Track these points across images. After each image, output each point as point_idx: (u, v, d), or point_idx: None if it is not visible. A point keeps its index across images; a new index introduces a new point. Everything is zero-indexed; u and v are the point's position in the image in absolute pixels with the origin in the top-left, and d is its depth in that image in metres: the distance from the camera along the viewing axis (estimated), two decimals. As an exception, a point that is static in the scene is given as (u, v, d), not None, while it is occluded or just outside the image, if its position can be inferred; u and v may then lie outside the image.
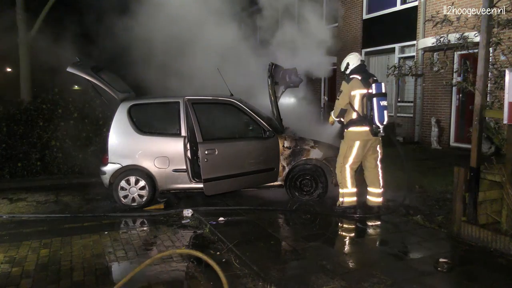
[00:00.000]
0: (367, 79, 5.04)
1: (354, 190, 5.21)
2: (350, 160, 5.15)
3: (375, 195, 5.28)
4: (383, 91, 4.95)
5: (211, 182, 5.57)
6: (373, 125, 4.97)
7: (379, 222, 4.98)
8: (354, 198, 5.22)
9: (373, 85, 4.97)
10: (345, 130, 5.22)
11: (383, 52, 13.58)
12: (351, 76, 5.12)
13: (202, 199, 6.07)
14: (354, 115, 5.09)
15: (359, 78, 5.06)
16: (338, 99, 5.18)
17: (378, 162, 5.27)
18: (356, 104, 5.07)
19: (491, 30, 4.26)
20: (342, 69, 5.39)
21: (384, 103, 4.94)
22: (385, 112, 4.95)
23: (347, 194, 5.21)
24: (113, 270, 3.92)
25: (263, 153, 5.84)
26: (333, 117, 5.38)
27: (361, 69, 5.20)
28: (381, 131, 5.00)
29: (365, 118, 5.03)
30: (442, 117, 10.98)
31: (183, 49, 8.18)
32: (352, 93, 5.05)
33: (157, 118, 6.16)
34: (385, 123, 4.95)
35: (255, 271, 3.64)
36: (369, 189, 5.33)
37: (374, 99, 4.91)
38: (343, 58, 5.42)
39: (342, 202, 5.26)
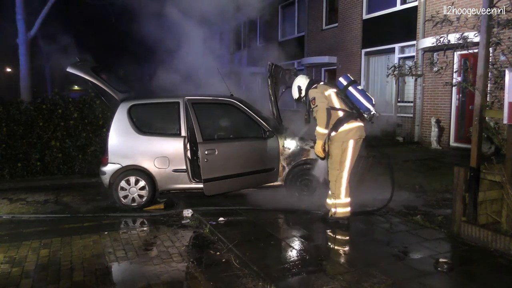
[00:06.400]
0: (328, 83, 4.92)
1: (348, 200, 4.73)
2: (347, 164, 4.64)
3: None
4: (352, 78, 4.79)
5: (211, 182, 5.57)
6: (365, 112, 4.67)
7: (379, 222, 4.97)
8: (348, 209, 4.75)
9: (339, 79, 4.80)
10: (334, 133, 4.65)
11: (383, 52, 13.57)
12: (313, 86, 4.80)
13: (202, 199, 6.07)
14: (340, 113, 4.64)
15: (322, 83, 4.84)
16: (317, 105, 4.57)
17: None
18: (336, 102, 4.66)
19: (491, 30, 4.26)
20: (297, 96, 5.05)
21: (360, 87, 4.75)
22: (367, 93, 4.73)
23: (340, 205, 4.73)
24: (113, 270, 3.91)
25: (263, 153, 5.84)
26: (322, 130, 4.57)
27: (313, 82, 4.95)
28: (375, 113, 4.69)
29: (352, 112, 4.67)
30: (442, 117, 10.97)
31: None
32: (326, 93, 4.66)
33: (157, 118, 6.17)
34: (374, 103, 4.67)
35: (255, 271, 3.63)
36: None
37: (350, 88, 4.68)
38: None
39: (335, 213, 4.79)
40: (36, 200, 6.51)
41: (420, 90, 11.69)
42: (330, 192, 4.85)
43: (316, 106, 4.58)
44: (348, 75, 4.87)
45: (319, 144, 4.63)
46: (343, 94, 4.71)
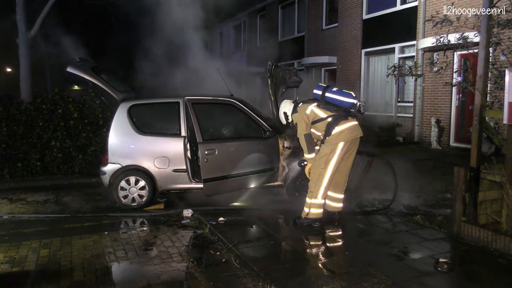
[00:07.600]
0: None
1: (323, 201, 4.73)
2: (332, 164, 4.59)
3: (336, 201, 4.91)
4: (324, 85, 4.85)
5: (211, 182, 5.57)
6: (351, 108, 4.64)
7: (379, 222, 4.97)
8: (321, 210, 4.75)
9: (314, 91, 4.83)
10: (328, 137, 4.65)
11: (383, 52, 13.57)
12: (295, 111, 4.89)
13: (202, 199, 6.07)
14: (329, 119, 4.64)
15: (301, 103, 4.90)
16: (298, 131, 4.78)
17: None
18: (321, 113, 4.70)
19: (491, 30, 4.27)
20: (285, 121, 5.13)
21: (335, 88, 4.77)
22: (343, 90, 4.73)
23: (315, 205, 4.69)
24: (113, 270, 3.91)
25: (263, 153, 5.84)
26: (308, 156, 4.77)
27: (296, 104, 4.98)
28: (361, 102, 4.70)
29: (339, 113, 4.63)
30: (442, 117, 10.98)
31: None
32: (308, 111, 4.71)
33: (157, 118, 6.17)
34: (354, 95, 4.67)
35: (255, 271, 3.64)
36: (330, 193, 4.85)
37: (327, 94, 4.71)
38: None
39: (308, 214, 4.74)
40: (36, 200, 6.51)
41: (420, 90, 11.69)
42: (308, 191, 4.80)
43: (297, 131, 4.80)
44: (320, 83, 4.92)
45: (308, 166, 4.85)
46: (323, 102, 4.74)
